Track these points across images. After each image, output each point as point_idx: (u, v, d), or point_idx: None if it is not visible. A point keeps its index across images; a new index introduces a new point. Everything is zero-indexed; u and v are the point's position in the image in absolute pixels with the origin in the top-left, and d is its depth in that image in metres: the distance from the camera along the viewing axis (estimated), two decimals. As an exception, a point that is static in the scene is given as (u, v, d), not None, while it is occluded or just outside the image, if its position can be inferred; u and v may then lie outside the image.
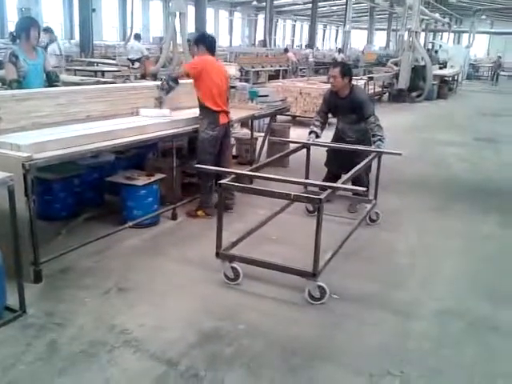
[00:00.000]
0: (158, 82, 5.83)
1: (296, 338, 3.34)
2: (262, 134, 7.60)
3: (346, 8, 24.76)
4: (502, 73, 32.05)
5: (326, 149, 5.83)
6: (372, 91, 15.12)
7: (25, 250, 3.53)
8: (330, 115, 5.86)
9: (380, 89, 16.81)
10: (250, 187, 3.98)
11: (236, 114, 6.20)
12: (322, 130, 5.67)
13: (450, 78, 21.19)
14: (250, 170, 4.47)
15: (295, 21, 55.31)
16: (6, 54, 5.07)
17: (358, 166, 4.63)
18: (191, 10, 19.67)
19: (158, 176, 5.09)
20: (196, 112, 5.39)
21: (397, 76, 17.39)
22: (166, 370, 2.94)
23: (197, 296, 3.80)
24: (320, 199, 3.57)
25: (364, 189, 4.00)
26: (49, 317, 3.39)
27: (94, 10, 18.59)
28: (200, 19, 19.07)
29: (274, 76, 18.78)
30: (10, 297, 3.38)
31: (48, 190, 4.87)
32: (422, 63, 17.61)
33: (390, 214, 5.66)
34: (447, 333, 3.50)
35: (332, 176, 5.66)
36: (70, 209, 5.02)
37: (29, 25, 5.08)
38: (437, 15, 31.32)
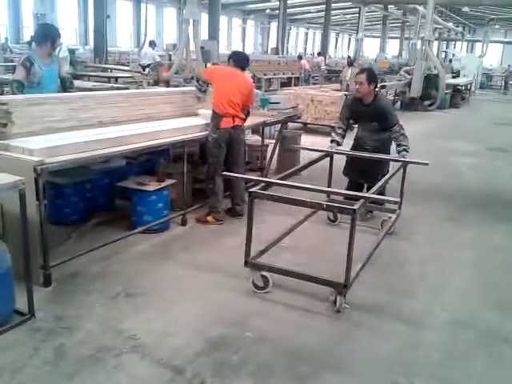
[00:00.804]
0: (172, 89, 6.15)
1: (305, 345, 3.32)
2: (273, 141, 7.60)
3: (359, 16, 24.71)
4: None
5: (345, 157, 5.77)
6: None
7: (35, 253, 3.55)
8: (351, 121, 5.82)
9: (392, 97, 16.75)
10: (281, 196, 3.89)
11: (247, 121, 6.19)
12: (344, 137, 5.61)
13: (463, 87, 21.08)
14: (279, 179, 4.38)
15: (308, 29, 55.41)
16: (21, 57, 5.15)
17: (386, 177, 4.56)
18: (205, 18, 19.77)
19: (169, 181, 5.10)
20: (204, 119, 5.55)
21: (409, 84, 17.33)
22: (172, 377, 2.93)
23: (205, 302, 3.79)
24: (354, 209, 3.53)
25: (397, 199, 3.93)
26: (57, 321, 3.40)
27: (108, 17, 18.73)
28: (213, 27, 19.17)
29: (286, 83, 18.82)
30: (19, 300, 3.39)
31: (59, 194, 4.89)
32: (435, 72, 17.54)
33: (403, 223, 5.62)
34: (457, 343, 3.47)
35: (354, 185, 5.62)
36: (80, 213, 5.04)
37: (55, 34, 5.16)
38: (450, 24, 31.28)
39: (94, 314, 3.53)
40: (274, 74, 18.87)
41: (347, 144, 5.86)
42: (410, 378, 3.05)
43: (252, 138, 7.77)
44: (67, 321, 3.40)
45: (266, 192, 3.98)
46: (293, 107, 7.76)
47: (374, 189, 4.22)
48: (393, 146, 5.70)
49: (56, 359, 3.01)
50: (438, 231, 5.64)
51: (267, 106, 6.97)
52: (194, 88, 6.13)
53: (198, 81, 6.01)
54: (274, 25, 43.70)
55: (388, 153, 5.60)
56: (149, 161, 5.65)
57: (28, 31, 23.01)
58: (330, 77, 23.87)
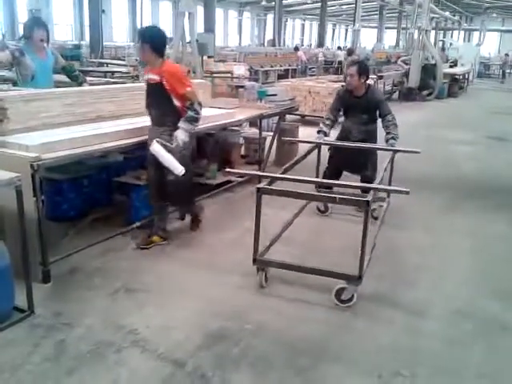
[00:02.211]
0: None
1: (304, 337, 3.32)
2: (271, 134, 7.58)
3: (356, 7, 24.57)
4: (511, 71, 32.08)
5: (328, 148, 5.77)
6: (382, 90, 15.04)
7: (33, 250, 3.54)
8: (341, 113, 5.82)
9: (390, 87, 16.72)
10: (290, 191, 3.88)
11: (244, 114, 6.20)
12: (332, 128, 5.63)
13: (461, 77, 21.04)
14: (282, 173, 4.33)
15: (304, 20, 55.23)
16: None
17: (384, 166, 4.56)
18: (200, 11, 19.69)
19: (166, 176, 5.08)
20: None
21: (407, 74, 17.29)
22: (173, 371, 2.93)
23: (205, 296, 3.79)
24: (367, 201, 3.56)
25: (407, 189, 3.92)
26: (57, 317, 3.39)
27: (103, 11, 18.68)
28: (209, 19, 19.10)
29: (283, 75, 18.76)
30: (19, 297, 3.39)
31: (56, 190, 4.88)
32: (433, 61, 17.50)
33: (401, 212, 5.62)
34: (457, 333, 3.47)
35: (332, 174, 5.63)
36: (78, 209, 5.02)
37: (32, 25, 5.17)
38: (447, 13, 31.16)
39: (94, 309, 3.52)
40: (271, 66, 18.80)
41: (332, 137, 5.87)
42: (412, 367, 3.05)
43: (249, 131, 7.76)
44: (67, 317, 3.40)
45: (274, 188, 3.96)
46: (290, 99, 7.71)
47: (378, 179, 4.25)
48: (381, 136, 5.71)
49: (56, 355, 3.01)
50: (436, 220, 5.64)
51: (264, 99, 6.94)
52: (189, 125, 4.32)
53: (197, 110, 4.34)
54: (270, 17, 43.55)
55: (375, 143, 5.63)
56: (146, 156, 5.61)
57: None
58: (327, 68, 23.82)
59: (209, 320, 3.45)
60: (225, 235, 4.94)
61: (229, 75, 10.90)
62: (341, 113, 5.80)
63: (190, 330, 3.32)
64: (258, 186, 3.85)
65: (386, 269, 4.34)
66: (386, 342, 3.32)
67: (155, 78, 4.27)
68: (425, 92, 17.48)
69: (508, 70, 32.36)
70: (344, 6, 42.76)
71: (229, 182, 6.19)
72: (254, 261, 3.90)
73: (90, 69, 12.70)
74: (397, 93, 17.57)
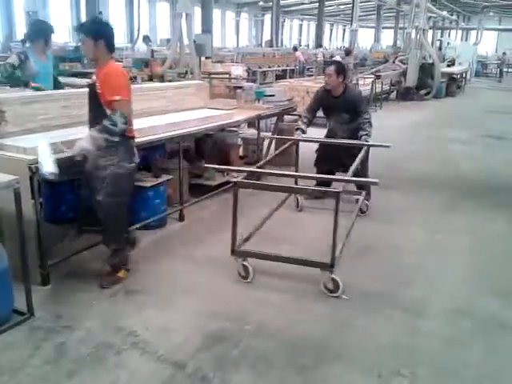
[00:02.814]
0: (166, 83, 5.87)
1: (304, 336, 3.33)
2: (270, 134, 7.58)
3: (353, 7, 24.64)
4: (508, 69, 32.10)
5: (316, 150, 5.95)
6: (379, 89, 15.04)
7: (32, 252, 3.54)
8: (318, 113, 5.99)
9: (388, 87, 16.72)
10: (266, 184, 4.01)
11: (242, 114, 6.21)
12: (308, 126, 5.79)
13: (459, 76, 21.04)
14: (258, 168, 4.51)
15: (302, 20, 55.23)
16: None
17: (357, 161, 4.68)
18: (198, 11, 19.68)
19: (166, 177, 5.08)
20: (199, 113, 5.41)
21: (404, 74, 17.30)
22: (173, 373, 2.93)
23: (204, 297, 3.79)
24: (338, 192, 3.72)
25: (377, 180, 3.98)
26: (56, 320, 3.39)
27: (100, 13, 18.65)
28: (206, 20, 19.09)
29: (281, 76, 18.76)
30: (18, 300, 3.38)
31: (54, 192, 4.86)
32: (430, 61, 17.51)
33: (398, 211, 5.64)
34: (456, 331, 3.47)
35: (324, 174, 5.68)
36: (76, 211, 5.01)
37: (49, 30, 5.22)
38: (444, 13, 31.19)
39: (94, 311, 3.52)
40: (269, 67, 18.82)
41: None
42: (411, 367, 3.05)
43: (248, 132, 7.76)
44: (67, 319, 3.40)
45: (250, 181, 4.09)
46: (288, 99, 7.70)
47: (350, 172, 4.40)
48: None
49: (56, 358, 3.01)
50: (436, 219, 5.65)
51: (262, 99, 6.94)
52: (98, 135, 3.58)
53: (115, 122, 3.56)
54: (267, 17, 43.55)
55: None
56: (144, 157, 5.60)
57: (20, 29, 22.92)
58: (325, 68, 23.81)
59: (208, 321, 3.45)
60: (224, 236, 4.91)
61: (227, 76, 10.90)
62: (323, 114, 5.99)
63: (190, 332, 3.32)
64: (234, 179, 3.90)
65: (384, 267, 4.35)
66: (385, 340, 3.32)
67: (93, 77, 3.80)
68: (423, 91, 17.48)
69: (505, 69, 32.36)
70: (341, 6, 42.76)
71: (228, 182, 6.18)
72: (232, 252, 3.99)
73: (89, 70, 12.69)
74: (394, 92, 17.56)
